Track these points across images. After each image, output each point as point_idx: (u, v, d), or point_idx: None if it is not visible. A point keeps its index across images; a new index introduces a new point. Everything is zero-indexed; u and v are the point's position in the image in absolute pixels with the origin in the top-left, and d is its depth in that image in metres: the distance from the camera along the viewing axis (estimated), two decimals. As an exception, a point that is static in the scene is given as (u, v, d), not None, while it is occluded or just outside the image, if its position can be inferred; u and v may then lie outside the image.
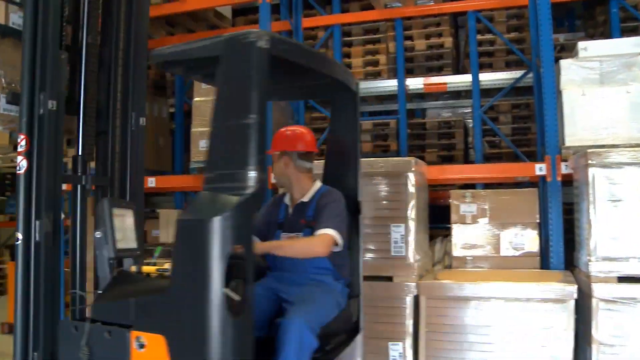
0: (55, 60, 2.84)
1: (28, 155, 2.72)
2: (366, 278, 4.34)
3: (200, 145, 5.84)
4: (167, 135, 7.60)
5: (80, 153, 3.13)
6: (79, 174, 3.06)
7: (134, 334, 2.21)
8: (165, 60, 2.70)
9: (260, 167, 2.22)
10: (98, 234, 2.57)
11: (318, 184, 3.31)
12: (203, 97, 5.95)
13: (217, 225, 2.10)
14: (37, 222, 2.70)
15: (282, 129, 3.36)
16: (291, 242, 3.10)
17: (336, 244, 2.99)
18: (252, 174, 2.19)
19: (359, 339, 3.26)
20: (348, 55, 6.92)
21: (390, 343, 4.25)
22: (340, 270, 3.15)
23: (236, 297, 2.16)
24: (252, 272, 2.25)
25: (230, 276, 2.12)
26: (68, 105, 3.02)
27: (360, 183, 3.33)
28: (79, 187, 3.06)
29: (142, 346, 2.22)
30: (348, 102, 3.35)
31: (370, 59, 6.86)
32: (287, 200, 3.35)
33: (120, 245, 2.60)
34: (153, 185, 6.19)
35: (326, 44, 6.97)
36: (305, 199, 3.26)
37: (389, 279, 4.33)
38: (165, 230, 6.50)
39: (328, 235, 2.95)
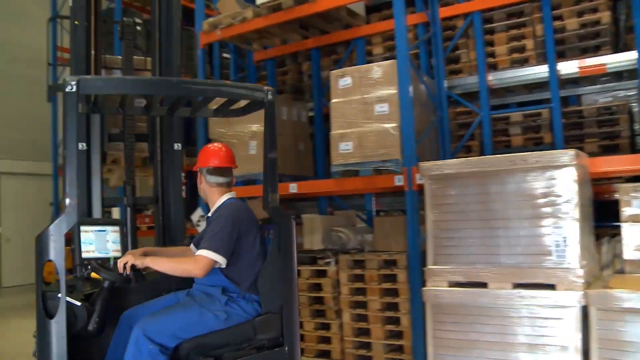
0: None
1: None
2: (524, 286, 3.98)
3: (340, 148, 5.70)
4: (307, 139, 7.58)
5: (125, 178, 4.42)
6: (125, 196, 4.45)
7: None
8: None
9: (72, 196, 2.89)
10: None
11: (224, 198, 3.61)
12: (341, 98, 5.81)
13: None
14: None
15: (204, 146, 3.73)
16: (168, 260, 3.35)
17: (216, 263, 3.28)
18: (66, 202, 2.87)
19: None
20: (491, 44, 6.46)
21: None
22: (240, 285, 3.39)
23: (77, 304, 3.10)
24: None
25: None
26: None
27: (270, 190, 3.45)
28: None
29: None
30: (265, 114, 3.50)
31: (515, 45, 6.35)
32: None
33: (86, 255, 3.54)
34: (295, 191, 6.16)
35: (466, 34, 6.55)
36: (210, 213, 3.64)
37: (551, 287, 3.90)
38: (309, 237, 6.44)
39: (203, 258, 3.26)
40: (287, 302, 3.44)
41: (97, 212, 4.43)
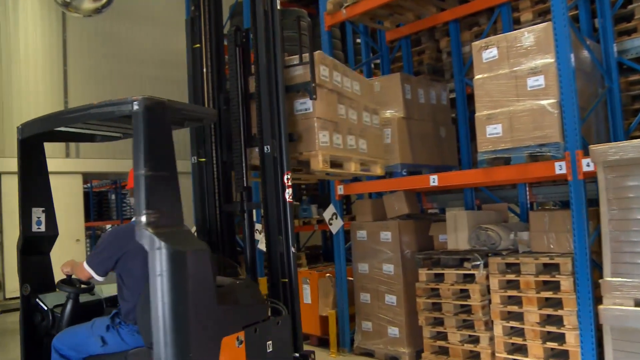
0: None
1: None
2: None
3: (487, 132, 4.84)
4: (449, 124, 6.77)
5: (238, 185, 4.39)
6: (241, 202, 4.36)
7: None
8: None
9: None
10: None
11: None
12: (486, 73, 4.94)
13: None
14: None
15: None
16: (73, 264, 3.57)
17: (92, 277, 3.40)
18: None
19: None
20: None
21: None
22: (126, 315, 3.34)
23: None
24: None
25: None
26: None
27: (137, 212, 2.96)
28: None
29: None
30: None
31: None
32: None
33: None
34: (435, 183, 5.39)
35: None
36: None
37: None
38: (454, 235, 5.63)
39: (81, 264, 3.44)
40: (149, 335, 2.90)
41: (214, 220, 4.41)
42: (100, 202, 19.69)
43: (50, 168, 3.99)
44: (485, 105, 4.96)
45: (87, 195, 19.04)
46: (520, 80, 4.70)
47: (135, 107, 2.96)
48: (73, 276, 3.64)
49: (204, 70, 4.44)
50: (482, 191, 6.44)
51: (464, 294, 5.39)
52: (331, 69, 4.52)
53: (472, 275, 5.28)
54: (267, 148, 4.09)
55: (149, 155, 2.94)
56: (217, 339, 3.03)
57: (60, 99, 13.52)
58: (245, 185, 4.31)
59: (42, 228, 3.84)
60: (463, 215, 5.64)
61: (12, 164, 11.16)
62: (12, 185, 13.03)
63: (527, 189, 6.03)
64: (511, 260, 5.01)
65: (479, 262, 5.19)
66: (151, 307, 2.82)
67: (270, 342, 3.45)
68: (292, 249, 4.01)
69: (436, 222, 6.19)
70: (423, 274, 5.65)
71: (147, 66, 14.75)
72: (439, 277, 5.62)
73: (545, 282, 4.83)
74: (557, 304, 4.67)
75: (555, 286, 4.68)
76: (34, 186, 3.87)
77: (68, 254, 14.06)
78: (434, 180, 5.43)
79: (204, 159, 4.41)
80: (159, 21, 14.98)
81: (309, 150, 4.27)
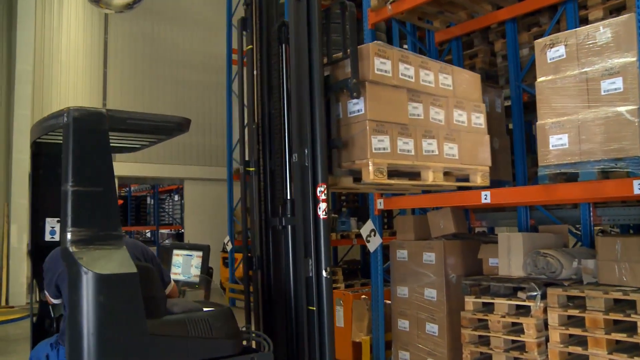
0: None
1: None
2: None
3: (551, 144, 4.17)
4: (502, 135, 6.09)
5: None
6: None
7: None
8: None
9: None
10: None
11: None
12: (550, 76, 4.28)
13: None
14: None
15: None
16: None
17: (49, 298, 3.19)
18: None
19: None
20: None
21: None
22: (61, 336, 3.06)
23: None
24: None
25: None
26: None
27: (62, 228, 2.74)
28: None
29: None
30: None
31: None
32: None
33: (173, 277, 3.87)
34: (487, 200, 4.72)
35: None
36: None
37: None
38: (506, 260, 4.94)
39: None
40: None
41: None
42: (137, 206, 19.53)
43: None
44: (548, 112, 4.29)
45: (124, 199, 18.93)
46: (592, 83, 4.02)
47: (65, 118, 2.80)
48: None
49: (255, 72, 4.18)
50: (538, 210, 5.74)
51: (516, 327, 4.71)
52: (396, 61, 3.97)
53: (527, 307, 4.58)
54: (295, 157, 3.61)
55: (77, 169, 2.75)
56: None
57: (99, 101, 13.36)
58: (288, 196, 3.91)
59: (56, 237, 3.70)
60: (518, 237, 4.94)
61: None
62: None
63: (591, 209, 5.31)
64: (575, 292, 4.30)
65: (536, 293, 4.50)
66: (70, 332, 2.66)
67: None
68: (324, 274, 3.50)
69: (486, 243, 5.50)
70: (470, 302, 4.97)
71: (186, 69, 14.54)
72: (488, 307, 4.94)
73: (617, 322, 4.12)
74: (632, 348, 3.95)
75: (631, 327, 3.96)
76: (49, 196, 3.72)
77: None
78: (486, 196, 4.76)
79: (252, 168, 4.13)
80: (200, 24, 14.81)
81: (361, 158, 3.81)
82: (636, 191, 3.80)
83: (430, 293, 5.34)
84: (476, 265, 5.44)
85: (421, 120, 4.15)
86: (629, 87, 3.84)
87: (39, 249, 3.67)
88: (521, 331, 4.60)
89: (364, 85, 3.83)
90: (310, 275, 3.52)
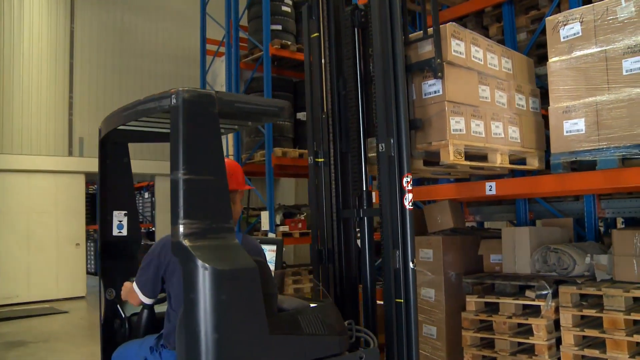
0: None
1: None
2: None
3: (565, 129, 3.84)
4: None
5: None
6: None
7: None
8: None
9: None
10: None
11: None
12: (564, 56, 3.94)
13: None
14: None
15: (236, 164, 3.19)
16: (127, 285, 3.07)
17: (141, 297, 2.93)
18: None
19: None
20: None
21: None
22: (167, 338, 2.83)
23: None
24: None
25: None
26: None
27: (173, 221, 2.51)
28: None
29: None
30: None
31: None
32: None
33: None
34: (493, 192, 4.37)
35: None
36: None
37: None
38: (511, 257, 4.60)
39: (128, 284, 3.02)
40: None
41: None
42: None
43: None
44: (561, 95, 3.95)
45: (92, 197, 18.24)
46: (612, 62, 3.69)
47: (174, 100, 2.52)
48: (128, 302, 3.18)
49: (322, 61, 3.96)
50: (538, 203, 5.41)
51: (523, 328, 4.38)
52: (468, 43, 3.91)
53: (537, 307, 4.25)
54: (382, 147, 3.40)
55: (189, 156, 2.52)
56: None
57: (65, 94, 12.69)
58: (364, 187, 3.86)
59: (124, 232, 3.62)
60: (524, 232, 4.60)
61: (12, 160, 10.44)
62: (13, 183, 12.19)
63: (596, 201, 5.00)
64: (590, 290, 3.98)
65: (546, 292, 4.16)
66: (185, 333, 2.41)
67: None
68: (411, 265, 3.31)
69: (486, 238, 5.15)
70: (472, 302, 4.61)
71: (158, 62, 13.97)
72: (492, 307, 4.60)
73: (635, 322, 3.80)
74: (656, 351, 3.64)
75: (653, 328, 3.66)
76: (115, 188, 3.62)
77: (66, 258, 13.13)
78: (490, 187, 4.40)
79: (321, 159, 3.94)
80: (172, 16, 14.23)
81: (439, 139, 3.74)
82: (662, 180, 3.49)
83: (428, 293, 4.97)
84: (476, 263, 5.09)
85: (488, 103, 4.08)
86: (655, 66, 3.52)
87: (106, 246, 3.57)
88: (528, 333, 4.28)
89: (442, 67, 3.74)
90: (397, 267, 3.33)
